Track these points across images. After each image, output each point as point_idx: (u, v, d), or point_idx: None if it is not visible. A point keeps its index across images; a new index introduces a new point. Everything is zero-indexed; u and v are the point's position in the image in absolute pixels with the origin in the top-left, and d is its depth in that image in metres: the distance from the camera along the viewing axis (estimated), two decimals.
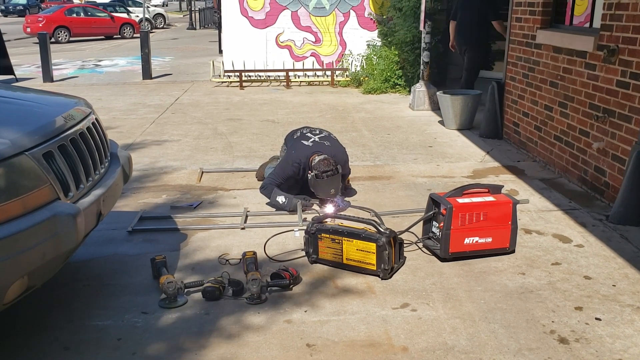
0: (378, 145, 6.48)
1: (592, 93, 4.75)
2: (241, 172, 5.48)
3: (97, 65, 14.90)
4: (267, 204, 4.53)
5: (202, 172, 5.47)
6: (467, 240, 3.56)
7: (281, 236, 3.99)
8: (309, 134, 4.64)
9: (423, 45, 8.39)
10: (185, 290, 3.22)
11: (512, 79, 6.38)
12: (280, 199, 4.41)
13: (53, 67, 12.12)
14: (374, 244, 3.35)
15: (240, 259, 3.53)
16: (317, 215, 3.94)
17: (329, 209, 4.31)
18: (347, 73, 11.03)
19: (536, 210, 4.44)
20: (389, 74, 9.99)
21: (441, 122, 7.46)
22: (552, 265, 3.54)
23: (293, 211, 4.37)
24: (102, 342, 2.80)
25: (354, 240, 3.43)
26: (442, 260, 3.59)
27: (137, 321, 2.98)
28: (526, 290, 3.25)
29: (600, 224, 4.16)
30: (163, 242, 3.94)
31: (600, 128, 4.64)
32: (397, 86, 9.97)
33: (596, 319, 2.95)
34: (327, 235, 3.51)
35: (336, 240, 3.49)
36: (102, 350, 2.73)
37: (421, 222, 3.81)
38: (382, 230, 3.40)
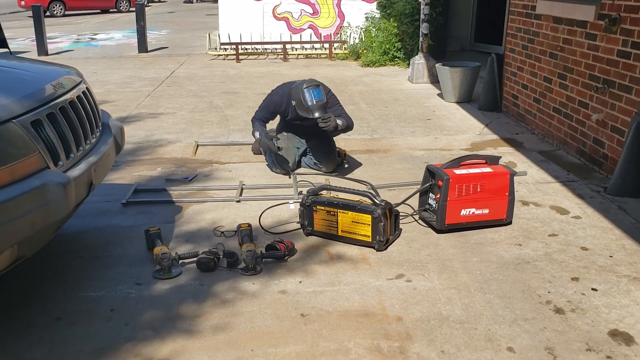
0: (376, 118, 6.42)
1: (592, 64, 4.68)
2: (237, 146, 5.44)
3: (92, 38, 14.72)
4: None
5: (198, 145, 5.42)
6: (463, 212, 3.53)
7: (276, 208, 3.96)
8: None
9: (422, 17, 8.27)
10: (180, 261, 3.20)
11: (511, 50, 6.29)
12: (256, 134, 4.66)
13: (48, 40, 11.98)
14: (369, 216, 3.32)
15: (235, 231, 3.50)
16: (313, 187, 3.91)
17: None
18: (346, 46, 10.90)
19: (534, 182, 4.41)
20: (387, 46, 9.88)
21: (440, 95, 7.38)
22: (549, 237, 3.52)
23: (263, 148, 4.60)
24: (95, 312, 2.78)
25: (350, 212, 3.40)
26: (438, 231, 3.56)
27: (130, 292, 2.96)
28: (522, 261, 3.23)
29: (598, 196, 4.13)
30: (157, 214, 3.91)
31: (599, 99, 4.59)
32: (396, 59, 9.87)
33: (592, 289, 2.94)
34: (323, 208, 3.48)
35: (331, 213, 3.45)
36: (95, 321, 2.71)
37: (417, 194, 3.78)
38: (378, 202, 3.37)
